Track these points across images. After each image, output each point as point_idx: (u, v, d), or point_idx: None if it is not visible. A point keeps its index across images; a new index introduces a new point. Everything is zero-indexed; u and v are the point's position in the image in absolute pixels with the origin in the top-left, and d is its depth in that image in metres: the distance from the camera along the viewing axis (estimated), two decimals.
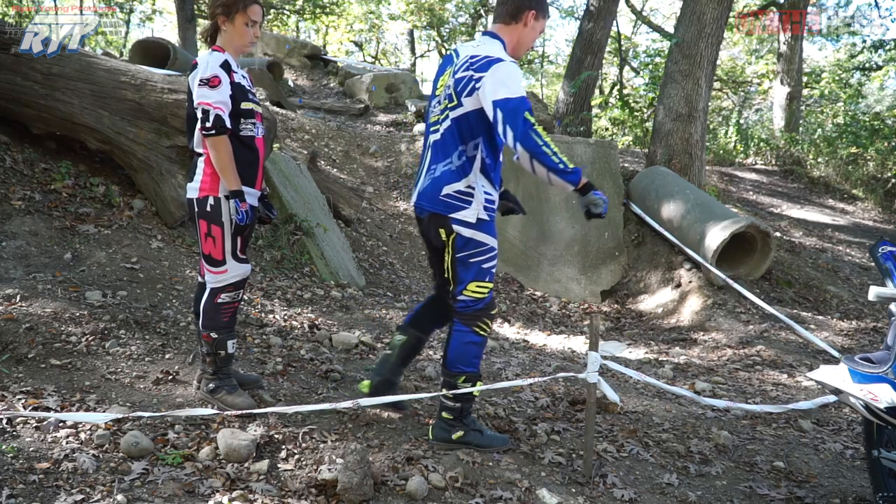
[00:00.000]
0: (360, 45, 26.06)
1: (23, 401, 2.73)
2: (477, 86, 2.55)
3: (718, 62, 10.56)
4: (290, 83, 13.95)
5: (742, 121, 14.33)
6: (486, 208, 2.70)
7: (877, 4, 15.83)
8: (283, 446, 2.70)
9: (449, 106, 2.67)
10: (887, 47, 13.08)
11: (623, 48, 15.03)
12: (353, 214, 6.90)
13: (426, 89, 16.54)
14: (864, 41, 14.44)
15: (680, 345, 5.67)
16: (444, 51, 24.07)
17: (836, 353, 4.79)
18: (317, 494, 2.40)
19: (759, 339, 5.52)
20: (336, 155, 8.77)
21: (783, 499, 2.80)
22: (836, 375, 2.35)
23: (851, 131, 11.59)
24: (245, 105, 2.81)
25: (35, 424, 2.57)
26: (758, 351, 5.23)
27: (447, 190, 2.66)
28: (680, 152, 7.91)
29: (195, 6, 12.82)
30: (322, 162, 7.91)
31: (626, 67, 16.24)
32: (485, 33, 2.79)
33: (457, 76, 2.63)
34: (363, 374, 3.67)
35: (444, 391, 2.80)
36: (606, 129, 13.42)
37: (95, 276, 3.95)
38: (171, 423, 2.73)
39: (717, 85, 16.33)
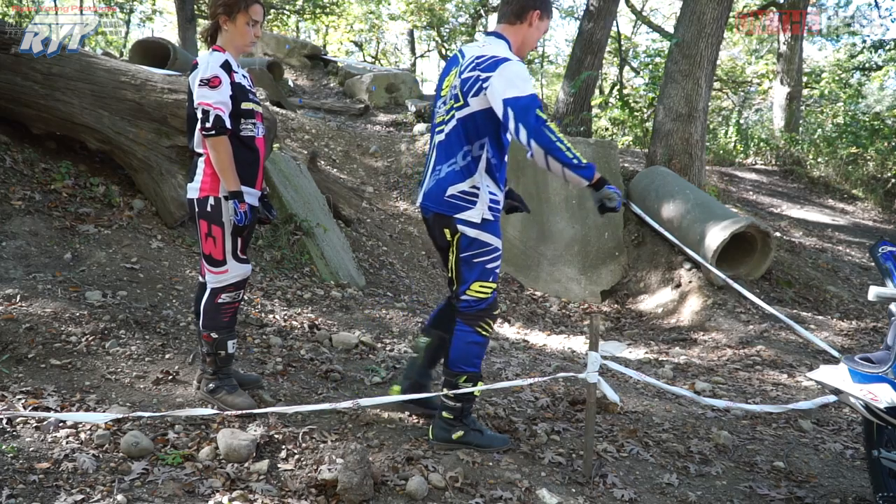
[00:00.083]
0: (360, 45, 26.06)
1: (23, 401, 2.73)
2: (484, 85, 2.55)
3: (718, 62, 10.56)
4: (290, 83, 13.95)
5: (742, 121, 14.33)
6: (490, 209, 2.70)
7: (877, 4, 15.82)
8: (283, 446, 2.70)
9: (455, 106, 2.67)
10: (887, 47, 13.08)
11: (623, 48, 15.02)
12: (353, 214, 6.90)
13: (426, 89, 16.55)
14: (864, 41, 14.44)
15: (680, 345, 5.67)
16: (444, 51, 24.08)
17: (836, 353, 4.78)
18: (317, 494, 2.40)
19: (759, 339, 5.52)
20: (336, 155, 8.77)
21: (783, 499, 2.80)
22: (836, 375, 2.35)
23: (851, 131, 11.60)
24: (245, 105, 2.81)
25: (35, 424, 2.57)
26: (758, 351, 5.23)
27: (451, 191, 2.67)
28: (680, 152, 7.91)
29: (195, 6, 12.81)
30: (322, 162, 7.91)
31: (626, 67, 16.24)
32: (489, 33, 2.79)
33: (463, 76, 2.63)
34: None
35: (445, 391, 2.80)
36: (606, 129, 13.41)
37: (95, 276, 3.95)
38: (171, 423, 2.73)
39: (717, 85, 16.32)
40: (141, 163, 4.83)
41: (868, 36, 16.01)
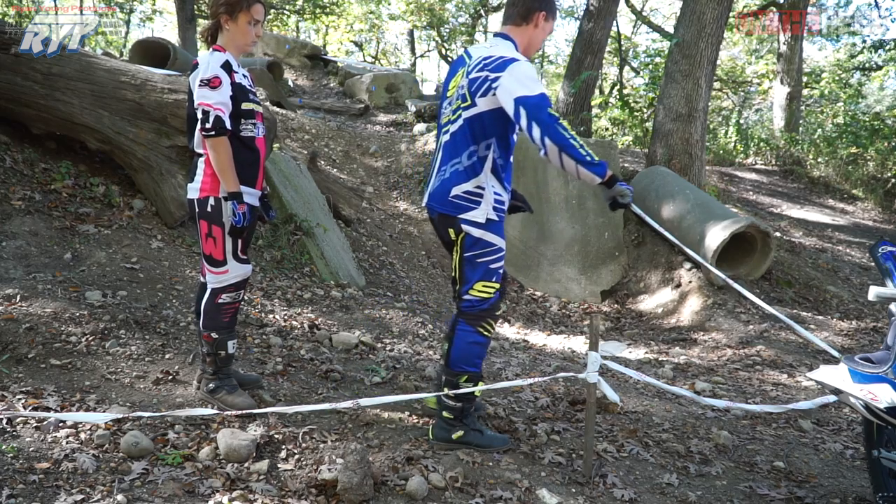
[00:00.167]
0: (360, 45, 26.07)
1: (23, 401, 2.73)
2: (494, 86, 2.55)
3: (718, 62, 10.56)
4: (290, 83, 13.96)
5: (742, 121, 14.34)
6: (495, 209, 2.71)
7: (877, 4, 15.82)
8: (283, 446, 2.70)
9: (462, 106, 2.67)
10: (887, 47, 13.09)
11: (623, 48, 15.02)
12: (353, 214, 6.90)
13: (426, 89, 16.57)
14: (864, 41, 14.45)
15: (680, 345, 5.67)
16: (444, 51, 24.10)
17: (836, 353, 4.77)
18: (317, 494, 2.40)
19: (759, 339, 5.52)
20: (336, 155, 8.77)
21: (783, 499, 2.80)
22: (836, 375, 2.35)
23: (851, 131, 11.60)
24: (246, 105, 2.81)
25: (35, 424, 2.57)
26: (758, 351, 5.23)
27: (456, 191, 2.67)
28: (680, 152, 7.92)
29: (195, 6, 12.82)
30: (322, 162, 7.91)
31: (626, 67, 16.24)
32: (496, 35, 2.80)
33: (470, 76, 2.64)
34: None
35: (446, 390, 2.80)
36: (606, 129, 13.41)
37: (95, 276, 3.95)
38: (171, 423, 2.73)
39: (717, 85, 16.33)
40: (141, 163, 4.83)
41: (868, 36, 16.04)
